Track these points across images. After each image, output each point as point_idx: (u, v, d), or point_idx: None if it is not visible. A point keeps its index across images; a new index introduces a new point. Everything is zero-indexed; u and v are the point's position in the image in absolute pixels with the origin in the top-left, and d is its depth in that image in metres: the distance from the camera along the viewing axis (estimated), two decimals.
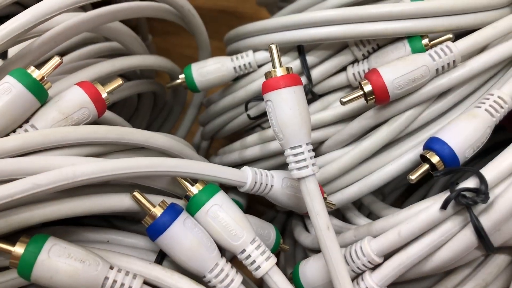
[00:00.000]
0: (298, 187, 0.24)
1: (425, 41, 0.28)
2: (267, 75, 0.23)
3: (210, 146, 0.43)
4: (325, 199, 0.28)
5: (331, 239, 0.23)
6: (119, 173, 0.21)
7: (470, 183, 0.23)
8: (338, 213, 0.33)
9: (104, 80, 0.29)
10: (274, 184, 0.26)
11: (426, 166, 0.25)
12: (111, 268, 0.21)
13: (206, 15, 0.62)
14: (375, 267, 0.24)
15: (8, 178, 0.20)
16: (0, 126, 0.22)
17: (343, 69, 0.31)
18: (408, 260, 0.23)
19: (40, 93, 0.23)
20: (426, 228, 0.23)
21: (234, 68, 0.32)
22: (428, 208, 0.23)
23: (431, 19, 0.28)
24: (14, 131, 0.23)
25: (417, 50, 0.28)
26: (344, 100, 0.26)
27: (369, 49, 0.30)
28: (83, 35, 0.32)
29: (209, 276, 0.22)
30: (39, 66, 0.24)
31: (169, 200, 0.24)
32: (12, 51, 0.28)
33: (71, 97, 0.24)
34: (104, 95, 0.26)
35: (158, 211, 0.22)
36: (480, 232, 0.22)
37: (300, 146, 0.23)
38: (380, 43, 0.30)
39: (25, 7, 0.27)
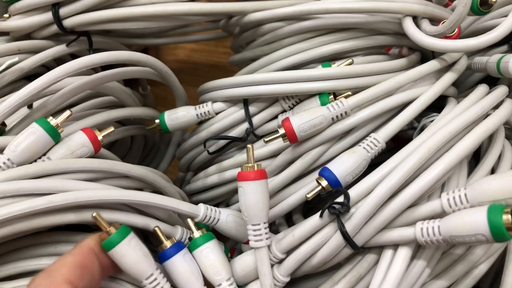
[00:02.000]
0: (239, 223, 0.36)
1: (331, 97, 0.38)
2: (243, 168, 0.33)
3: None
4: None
5: None
6: (103, 199, 0.31)
7: (340, 198, 0.32)
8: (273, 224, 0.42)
9: (103, 125, 0.40)
10: (221, 218, 0.36)
11: (319, 188, 0.34)
12: (156, 269, 0.30)
13: (200, 69, 0.74)
14: (281, 261, 0.33)
15: (30, 193, 0.30)
16: (27, 157, 0.33)
17: (276, 117, 0.41)
18: (300, 256, 0.32)
19: (55, 135, 0.34)
20: (311, 231, 0.32)
21: (197, 115, 0.42)
22: (313, 217, 0.32)
23: (335, 81, 0.37)
24: (35, 160, 0.34)
25: (324, 104, 0.37)
26: (266, 139, 0.36)
27: (293, 102, 0.40)
28: (88, 91, 0.44)
29: None
30: (55, 114, 0.35)
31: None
32: (35, 104, 0.40)
33: (76, 139, 0.35)
34: (100, 138, 0.36)
35: (168, 244, 0.32)
36: (345, 234, 0.31)
37: (259, 224, 0.33)
38: (301, 98, 0.39)
39: (48, 68, 0.39)
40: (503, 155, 0.35)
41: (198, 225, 0.34)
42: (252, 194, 0.32)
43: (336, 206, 0.31)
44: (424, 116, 0.38)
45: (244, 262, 0.34)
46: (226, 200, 0.44)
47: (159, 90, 0.64)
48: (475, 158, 0.37)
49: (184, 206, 0.35)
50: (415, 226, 0.30)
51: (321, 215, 0.32)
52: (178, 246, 0.32)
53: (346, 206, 0.31)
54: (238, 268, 0.34)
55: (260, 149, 0.40)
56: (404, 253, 0.30)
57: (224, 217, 0.36)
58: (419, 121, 0.38)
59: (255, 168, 0.32)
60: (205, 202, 0.41)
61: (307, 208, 0.43)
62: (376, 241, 0.31)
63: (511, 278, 0.32)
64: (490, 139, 0.36)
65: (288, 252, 0.33)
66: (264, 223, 0.33)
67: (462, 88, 0.44)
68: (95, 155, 0.36)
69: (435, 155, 0.31)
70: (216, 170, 0.43)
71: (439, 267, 0.32)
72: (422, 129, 0.37)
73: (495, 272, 0.36)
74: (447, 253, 0.32)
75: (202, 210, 0.35)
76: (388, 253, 0.31)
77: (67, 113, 0.36)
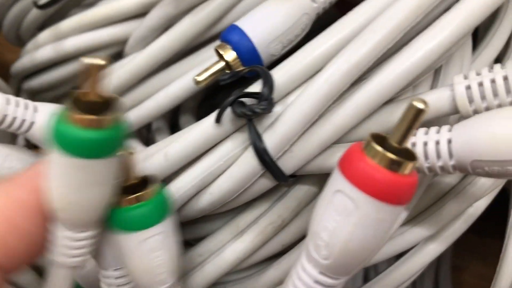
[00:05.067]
0: None
1: None
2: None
3: None
4: None
5: None
6: None
7: (256, 87, 0.16)
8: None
9: None
10: (37, 120, 0.19)
11: (219, 64, 0.18)
12: None
13: None
14: None
15: None
16: None
17: None
18: (178, 193, 0.17)
19: None
20: (199, 149, 0.17)
21: None
22: (201, 123, 0.17)
23: None
24: None
25: None
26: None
27: None
28: None
29: None
30: None
31: None
32: None
33: None
34: None
35: None
36: (261, 153, 0.16)
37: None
38: None
39: None
40: None
41: None
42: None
43: (248, 101, 0.16)
44: None
45: None
46: None
47: None
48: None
49: None
50: None
51: (218, 119, 0.16)
52: None
53: (267, 102, 0.15)
54: None
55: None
56: None
57: (44, 118, 0.19)
58: None
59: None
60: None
61: (207, 107, 0.27)
62: (319, 165, 0.17)
63: None
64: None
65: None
66: None
67: None
68: None
69: (428, 17, 0.16)
70: (50, 37, 0.25)
71: (420, 205, 0.19)
72: None
73: None
74: (431, 183, 0.19)
75: None
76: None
77: None
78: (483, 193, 0.19)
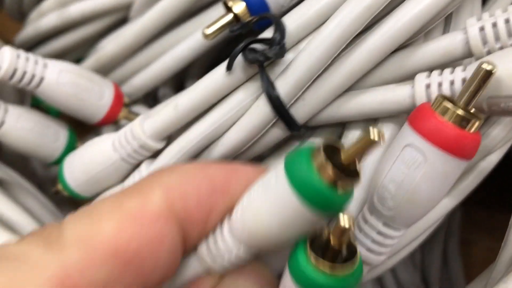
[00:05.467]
0: (81, 86, 0.19)
1: None
2: None
3: None
4: None
5: None
6: None
7: (268, 33, 0.16)
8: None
9: None
10: (47, 76, 0.19)
11: (229, 16, 0.17)
12: None
13: None
14: (157, 154, 0.18)
15: None
16: None
17: None
18: (189, 144, 0.17)
19: None
20: (210, 98, 0.17)
21: None
22: (212, 72, 0.16)
23: None
24: None
25: None
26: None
27: None
28: None
29: None
30: None
31: None
32: None
33: None
34: None
35: None
36: (274, 100, 0.16)
37: None
38: None
39: None
40: None
41: None
42: None
43: (259, 47, 0.16)
44: None
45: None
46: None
47: None
48: None
49: None
50: (414, 81, 0.15)
51: (229, 66, 0.16)
52: None
53: (279, 46, 0.15)
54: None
55: None
56: (387, 136, 0.16)
57: (55, 75, 0.19)
58: None
59: None
60: None
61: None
62: (332, 114, 0.17)
63: None
64: None
65: (170, 139, 0.18)
66: None
67: None
68: None
69: None
70: (54, 4, 0.25)
71: None
72: None
73: None
74: None
75: (7, 59, 0.18)
76: (352, 138, 0.17)
77: None
78: (496, 145, 0.19)
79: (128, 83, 0.23)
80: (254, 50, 0.15)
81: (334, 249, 0.13)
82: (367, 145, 0.11)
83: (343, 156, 0.12)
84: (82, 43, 0.25)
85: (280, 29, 0.15)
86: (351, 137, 0.17)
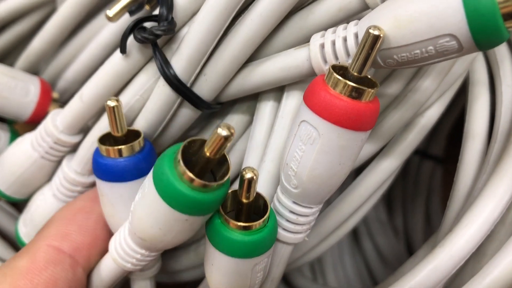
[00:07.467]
0: (2, 83, 0.19)
1: None
2: None
3: None
4: None
5: None
6: None
7: (156, 11, 0.15)
8: None
9: None
10: None
11: None
12: None
13: None
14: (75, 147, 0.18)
15: None
16: None
17: None
18: (101, 132, 0.16)
19: None
20: (113, 84, 0.16)
21: None
22: (111, 58, 0.16)
23: None
24: None
25: None
26: None
27: None
28: None
29: None
30: None
31: None
32: None
33: None
34: None
35: None
36: (171, 79, 0.15)
37: None
38: None
39: None
40: None
41: None
42: None
43: (148, 25, 0.15)
44: None
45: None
46: None
47: None
48: None
49: None
50: (309, 44, 0.14)
51: (122, 49, 0.15)
52: None
53: (167, 22, 0.14)
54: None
55: None
56: (292, 104, 0.15)
57: None
58: None
59: None
60: None
61: None
62: (240, 86, 0.16)
63: (476, 125, 0.19)
64: None
65: (88, 131, 0.17)
66: None
67: None
68: None
69: None
70: None
71: None
72: None
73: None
74: None
75: None
76: (264, 110, 0.16)
77: None
78: (428, 98, 0.18)
79: (62, 77, 0.22)
80: (143, 28, 0.15)
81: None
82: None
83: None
84: (16, 42, 0.24)
85: (166, 3, 0.14)
86: (263, 108, 0.16)
